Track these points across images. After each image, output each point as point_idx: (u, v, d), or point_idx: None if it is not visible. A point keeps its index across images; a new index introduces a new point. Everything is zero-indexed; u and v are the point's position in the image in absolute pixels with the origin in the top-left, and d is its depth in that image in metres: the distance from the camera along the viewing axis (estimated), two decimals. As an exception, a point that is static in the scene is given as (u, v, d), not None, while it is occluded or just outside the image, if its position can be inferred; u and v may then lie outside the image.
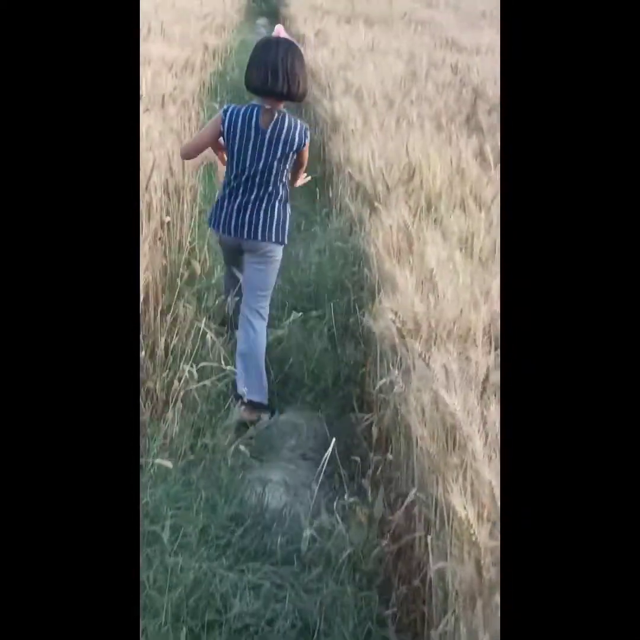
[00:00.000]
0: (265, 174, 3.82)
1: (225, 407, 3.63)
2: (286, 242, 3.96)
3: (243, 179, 3.83)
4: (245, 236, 3.86)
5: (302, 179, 4.14)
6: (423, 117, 6.04)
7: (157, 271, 3.99)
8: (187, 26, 8.92)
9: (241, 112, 3.82)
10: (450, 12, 13.70)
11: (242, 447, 3.39)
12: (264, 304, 3.99)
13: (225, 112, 3.86)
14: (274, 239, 3.88)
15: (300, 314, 4.27)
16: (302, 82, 3.77)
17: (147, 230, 3.93)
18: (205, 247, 4.63)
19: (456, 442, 2.43)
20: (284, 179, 3.88)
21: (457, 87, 7.28)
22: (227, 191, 3.90)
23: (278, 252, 3.94)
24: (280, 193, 3.88)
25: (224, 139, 3.86)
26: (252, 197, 3.85)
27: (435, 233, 3.78)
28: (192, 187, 4.74)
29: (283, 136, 3.77)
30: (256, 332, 3.94)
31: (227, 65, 9.53)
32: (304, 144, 3.83)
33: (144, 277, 3.51)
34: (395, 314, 3.00)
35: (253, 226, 3.86)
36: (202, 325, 3.68)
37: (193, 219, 4.77)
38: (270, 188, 3.84)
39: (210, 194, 4.29)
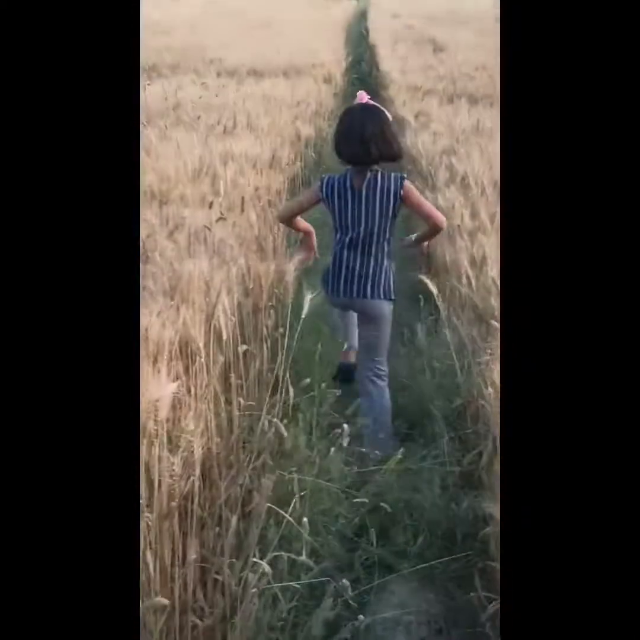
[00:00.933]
0: (368, 234, 3.96)
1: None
2: (394, 297, 4.08)
3: (347, 241, 3.99)
4: (354, 295, 4.02)
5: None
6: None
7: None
8: (278, 116, 8.35)
9: (336, 179, 4.01)
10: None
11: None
12: (382, 366, 4.13)
13: (322, 180, 4.07)
14: (382, 296, 4.02)
15: (401, 452, 3.49)
16: (394, 143, 3.94)
17: (214, 371, 3.24)
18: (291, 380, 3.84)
19: None
20: (388, 236, 3.99)
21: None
22: (335, 256, 4.06)
23: (388, 309, 4.08)
24: (386, 250, 4.00)
25: (326, 207, 4.06)
26: (359, 257, 3.99)
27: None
28: (274, 306, 4.03)
29: (378, 192, 3.91)
30: (380, 395, 4.08)
31: (323, 153, 8.92)
32: (400, 193, 3.90)
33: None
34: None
35: (362, 285, 4.00)
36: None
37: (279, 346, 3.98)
38: (374, 247, 3.97)
39: (297, 310, 3.55)
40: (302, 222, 4.33)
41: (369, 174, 3.93)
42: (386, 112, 4.04)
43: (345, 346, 4.52)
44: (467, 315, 3.94)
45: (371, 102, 4.06)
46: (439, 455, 3.62)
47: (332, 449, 3.26)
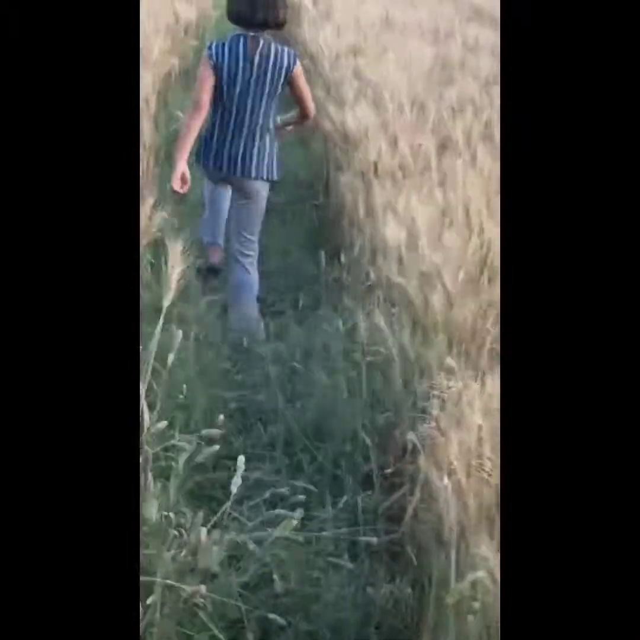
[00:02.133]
0: (256, 107, 3.81)
1: None
2: (277, 177, 3.96)
3: (234, 112, 3.81)
4: (237, 173, 3.85)
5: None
6: (470, 135, 4.24)
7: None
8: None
9: (227, 44, 3.80)
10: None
11: None
12: (252, 247, 3.95)
13: (210, 48, 3.85)
14: (265, 176, 3.88)
15: (297, 514, 2.45)
16: (281, 8, 3.83)
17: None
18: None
19: None
20: (273, 112, 3.88)
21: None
22: (217, 126, 3.85)
23: (266, 189, 3.93)
24: (271, 127, 3.87)
25: (213, 74, 3.78)
26: (244, 132, 3.82)
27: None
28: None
29: (271, 62, 3.78)
30: (249, 283, 3.91)
31: (206, 42, 7.61)
32: (293, 69, 3.81)
33: None
34: None
35: (246, 163, 3.84)
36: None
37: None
38: (261, 121, 3.82)
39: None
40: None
41: (262, 42, 3.78)
42: None
43: (206, 240, 4.38)
44: (395, 312, 2.85)
45: None
46: (350, 517, 2.59)
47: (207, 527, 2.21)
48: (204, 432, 2.40)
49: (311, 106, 3.99)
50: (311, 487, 2.71)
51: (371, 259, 3.52)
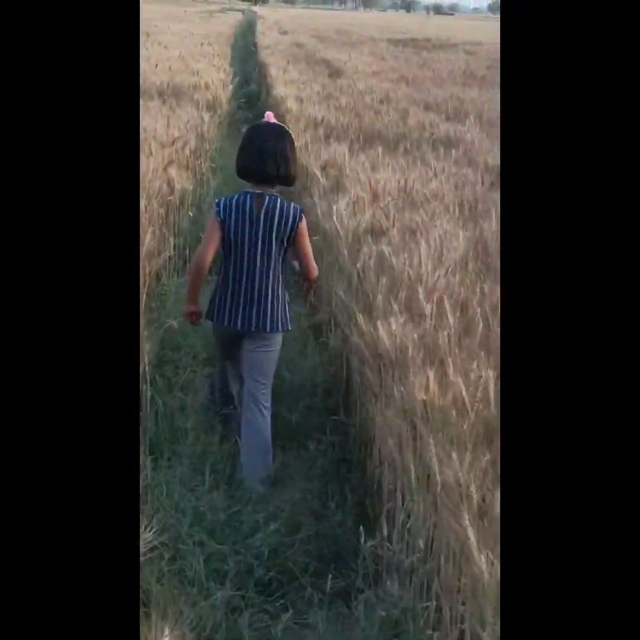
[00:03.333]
0: (265, 261, 3.91)
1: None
2: (289, 327, 4.05)
3: (244, 268, 3.91)
4: (253, 328, 3.92)
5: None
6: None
7: None
8: (146, 161, 6.30)
9: (234, 201, 3.95)
10: (477, 129, 11.16)
11: None
12: (266, 393, 4.00)
13: (218, 204, 3.97)
14: (280, 328, 3.98)
15: None
16: (292, 165, 3.99)
17: None
18: None
19: None
20: (282, 264, 3.97)
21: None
22: (229, 283, 3.94)
23: (280, 339, 4.04)
24: (280, 279, 3.96)
25: (220, 231, 3.92)
26: (256, 287, 3.91)
27: None
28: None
29: (276, 218, 3.90)
30: (264, 429, 3.94)
31: (204, 210, 6.93)
32: (297, 225, 3.91)
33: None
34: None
35: (261, 318, 3.92)
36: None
37: None
38: (271, 275, 3.91)
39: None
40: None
41: (268, 199, 3.93)
42: (291, 134, 4.11)
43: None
44: None
45: (278, 123, 4.13)
46: None
47: None
48: None
49: (313, 269, 4.09)
50: None
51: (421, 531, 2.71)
